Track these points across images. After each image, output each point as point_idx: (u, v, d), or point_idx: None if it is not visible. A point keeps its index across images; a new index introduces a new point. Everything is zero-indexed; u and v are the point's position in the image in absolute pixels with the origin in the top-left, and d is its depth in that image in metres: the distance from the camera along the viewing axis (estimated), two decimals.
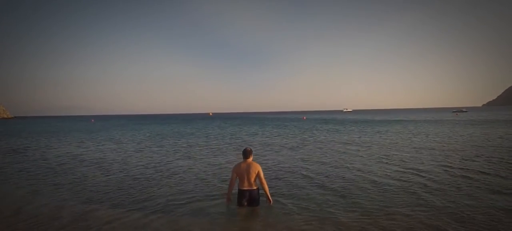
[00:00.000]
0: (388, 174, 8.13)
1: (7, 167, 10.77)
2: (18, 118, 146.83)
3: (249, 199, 5.16)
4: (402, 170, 8.62)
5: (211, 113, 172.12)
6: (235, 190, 5.47)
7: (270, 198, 5.32)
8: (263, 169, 5.75)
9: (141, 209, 5.54)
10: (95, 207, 5.74)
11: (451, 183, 6.91)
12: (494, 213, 4.91)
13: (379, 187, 6.73)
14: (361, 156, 11.41)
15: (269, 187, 5.59)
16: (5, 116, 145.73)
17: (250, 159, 5.29)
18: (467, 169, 8.47)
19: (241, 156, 6.01)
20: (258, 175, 5.17)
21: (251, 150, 5.38)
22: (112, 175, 8.92)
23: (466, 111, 76.97)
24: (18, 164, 11.30)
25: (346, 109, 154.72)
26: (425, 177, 7.59)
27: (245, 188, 5.15)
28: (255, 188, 5.18)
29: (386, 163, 9.83)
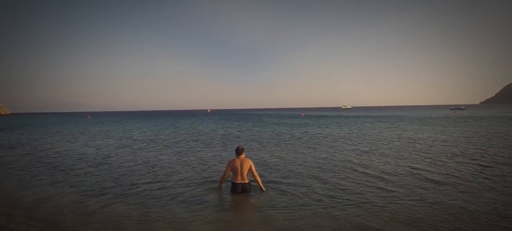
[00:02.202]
0: (356, 167, 8.40)
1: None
2: (16, 115, 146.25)
3: (242, 191, 5.74)
4: (369, 165, 8.88)
5: (209, 110, 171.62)
6: (227, 182, 6.01)
7: (263, 188, 5.97)
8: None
9: (112, 197, 5.81)
10: (66, 192, 6.01)
11: (413, 181, 7.01)
12: (450, 211, 5.11)
13: (351, 178, 7.03)
14: (343, 151, 11.68)
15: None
16: (3, 113, 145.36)
17: (243, 156, 5.86)
18: (436, 168, 8.37)
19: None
20: (250, 169, 5.79)
21: (243, 147, 5.94)
22: (94, 167, 9.14)
23: (464, 109, 77.09)
24: (8, 157, 11.51)
25: (345, 106, 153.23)
26: (388, 172, 7.77)
27: (238, 182, 5.74)
28: (247, 181, 5.78)
29: (362, 155, 10.11)
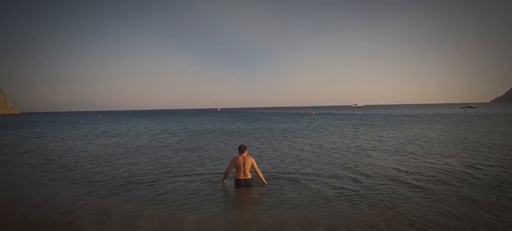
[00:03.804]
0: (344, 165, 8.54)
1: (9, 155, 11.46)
2: (26, 114, 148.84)
3: (245, 186, 6.00)
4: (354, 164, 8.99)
5: (219, 109, 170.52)
6: (231, 178, 6.32)
7: (264, 181, 6.26)
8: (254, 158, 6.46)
9: (118, 193, 6.17)
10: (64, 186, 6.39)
11: (415, 181, 7.02)
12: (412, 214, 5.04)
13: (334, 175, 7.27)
14: (347, 149, 11.86)
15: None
16: (13, 112, 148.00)
17: (245, 153, 6.16)
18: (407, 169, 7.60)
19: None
20: (252, 166, 6.08)
21: (245, 146, 6.30)
22: (99, 165, 9.52)
23: (474, 107, 75.71)
24: (15, 156, 11.99)
25: (356, 104, 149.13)
26: (389, 171, 7.96)
27: (240, 178, 6.03)
28: (249, 177, 6.06)
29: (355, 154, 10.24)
